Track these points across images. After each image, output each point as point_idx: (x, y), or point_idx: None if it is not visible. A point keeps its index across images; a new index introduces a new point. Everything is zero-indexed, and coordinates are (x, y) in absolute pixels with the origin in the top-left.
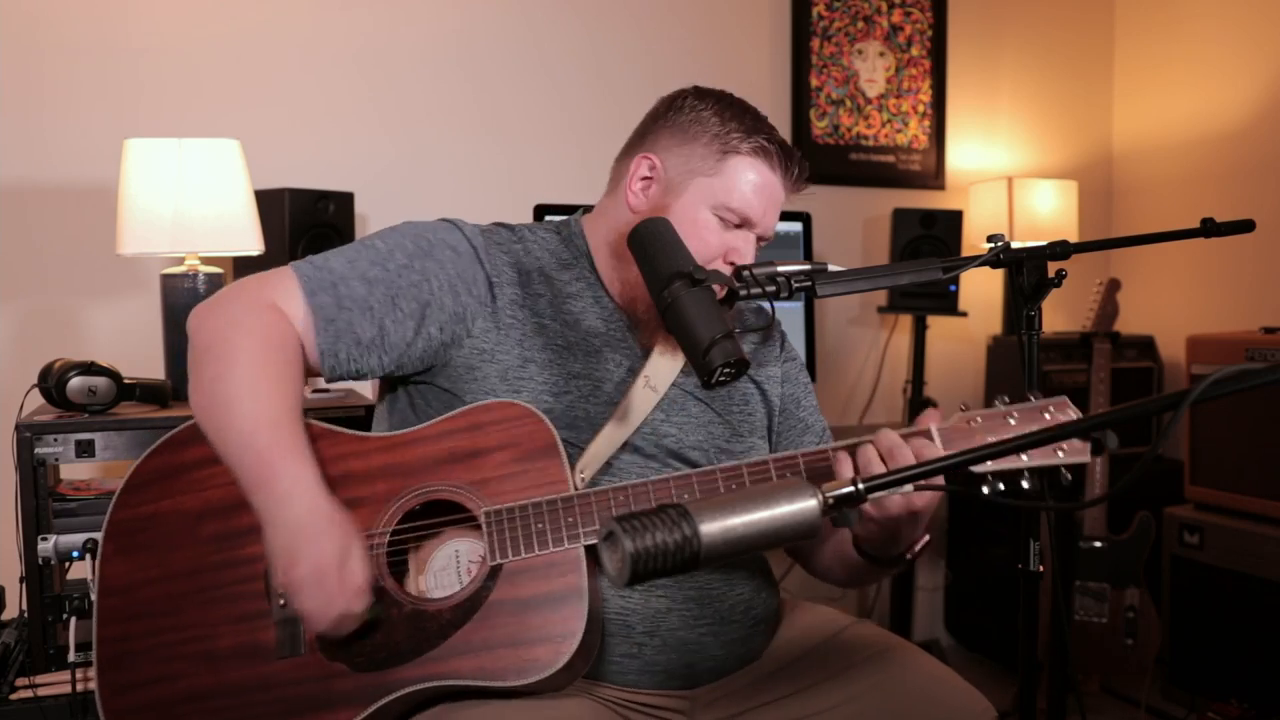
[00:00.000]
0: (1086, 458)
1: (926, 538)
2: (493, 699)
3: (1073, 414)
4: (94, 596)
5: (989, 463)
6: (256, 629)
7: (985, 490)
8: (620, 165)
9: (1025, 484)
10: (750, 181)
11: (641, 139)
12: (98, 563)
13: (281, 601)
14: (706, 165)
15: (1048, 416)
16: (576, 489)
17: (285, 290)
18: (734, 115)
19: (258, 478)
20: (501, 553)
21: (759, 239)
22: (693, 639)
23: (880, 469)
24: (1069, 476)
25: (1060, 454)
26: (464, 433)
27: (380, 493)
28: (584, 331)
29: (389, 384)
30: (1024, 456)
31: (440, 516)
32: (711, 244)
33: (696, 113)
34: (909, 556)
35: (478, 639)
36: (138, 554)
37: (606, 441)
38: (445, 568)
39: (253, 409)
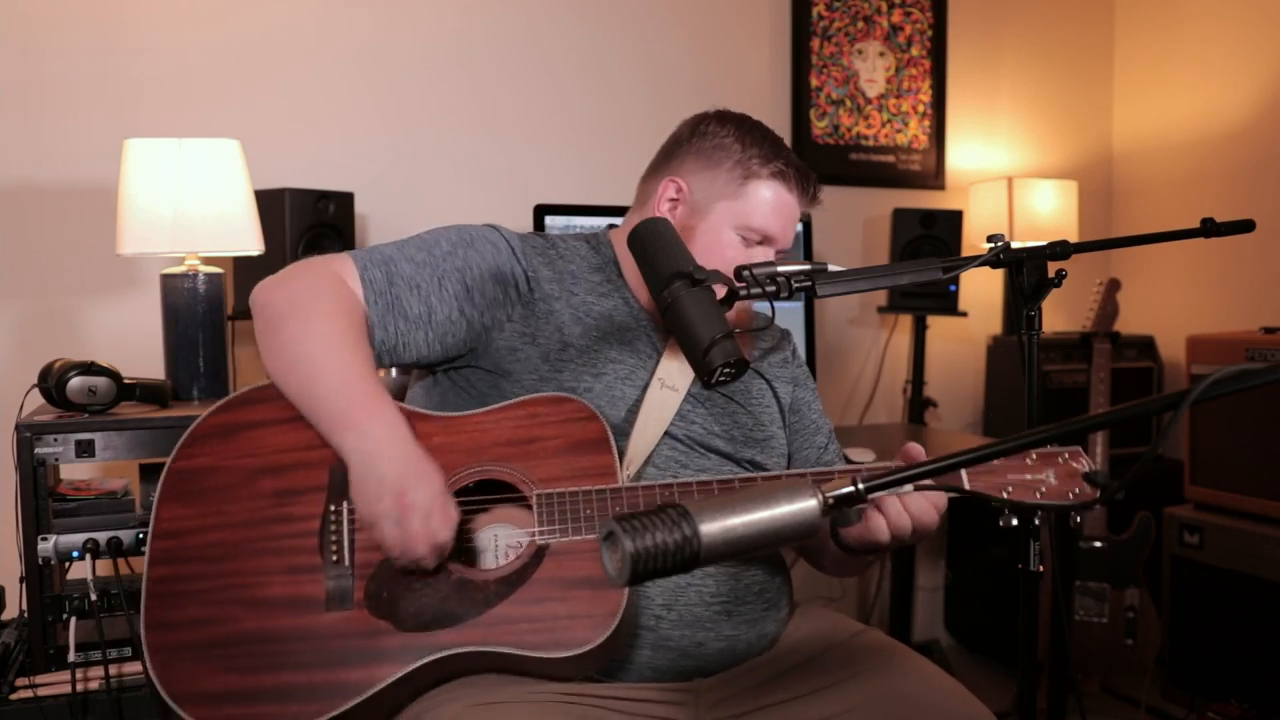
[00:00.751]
0: (1095, 497)
1: None
2: (511, 680)
3: (1085, 462)
4: (148, 537)
5: (1008, 494)
6: (306, 582)
7: (1000, 523)
8: (647, 185)
9: (1036, 520)
10: (770, 202)
11: (667, 161)
12: (154, 506)
13: (335, 558)
14: (730, 189)
15: (1061, 461)
16: (625, 483)
17: (345, 266)
18: (754, 141)
19: (355, 420)
20: (549, 535)
21: (778, 252)
22: (707, 615)
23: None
24: (1078, 519)
25: (1071, 496)
26: (523, 420)
27: (438, 467)
28: (617, 325)
29: (428, 369)
30: (1039, 494)
31: (493, 493)
32: (734, 261)
33: (719, 139)
34: (882, 548)
35: (519, 611)
36: (194, 501)
37: (641, 440)
38: (485, 549)
39: (341, 363)
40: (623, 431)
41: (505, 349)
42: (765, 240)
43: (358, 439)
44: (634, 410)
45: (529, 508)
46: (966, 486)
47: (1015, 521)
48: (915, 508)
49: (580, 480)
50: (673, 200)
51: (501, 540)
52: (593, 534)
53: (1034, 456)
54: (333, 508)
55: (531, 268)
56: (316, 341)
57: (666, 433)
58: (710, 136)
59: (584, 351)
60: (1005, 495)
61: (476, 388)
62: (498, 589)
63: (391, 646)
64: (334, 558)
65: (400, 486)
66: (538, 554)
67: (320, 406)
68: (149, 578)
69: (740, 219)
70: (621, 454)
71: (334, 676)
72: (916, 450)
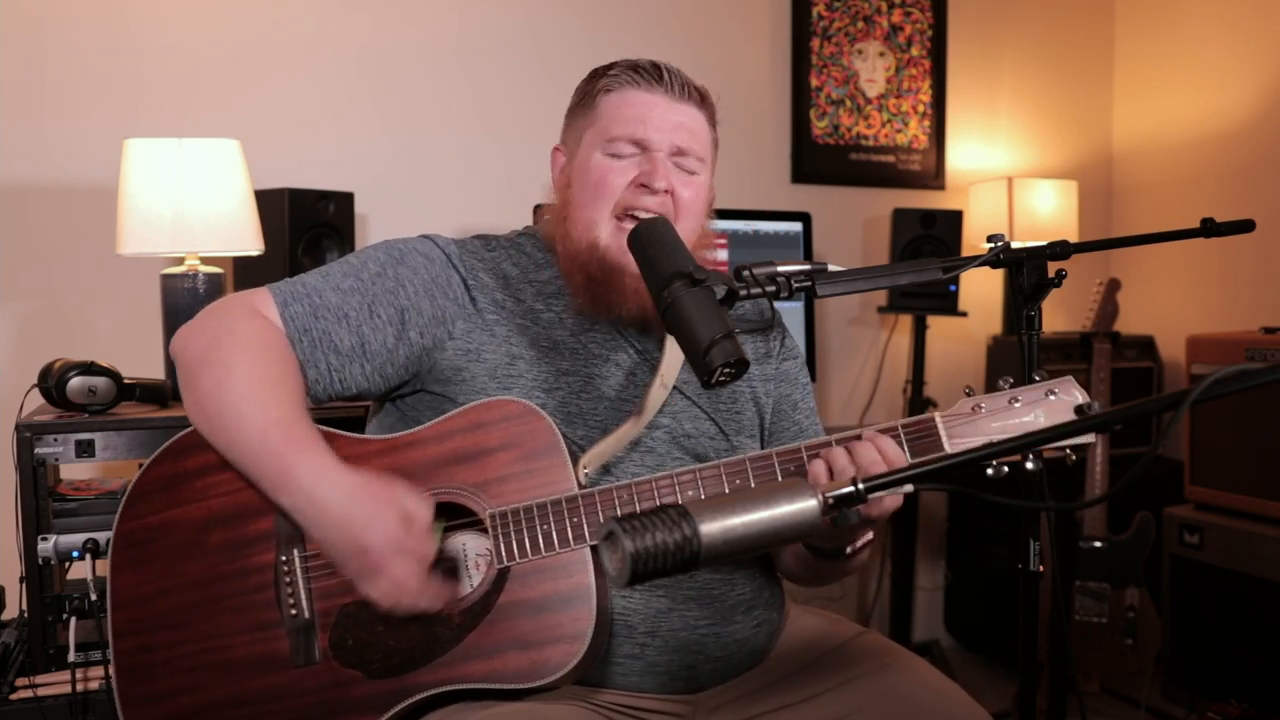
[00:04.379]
0: (1091, 438)
1: (870, 535)
2: (498, 699)
3: (1078, 394)
4: (106, 607)
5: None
6: (271, 638)
7: (990, 472)
8: None
9: (1030, 465)
10: (622, 105)
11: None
12: (108, 575)
13: (293, 611)
14: (585, 119)
15: (1052, 398)
16: (580, 487)
17: (263, 301)
18: (601, 69)
19: (279, 479)
20: (509, 555)
21: (677, 157)
22: (694, 639)
23: (881, 466)
24: (1073, 457)
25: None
26: (466, 433)
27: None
28: (569, 328)
29: (378, 400)
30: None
31: (445, 518)
32: (616, 183)
33: (577, 90)
34: (849, 552)
35: (488, 642)
36: (148, 565)
37: (617, 440)
38: (455, 561)
39: (259, 412)
40: (580, 438)
41: (450, 369)
42: (639, 148)
43: (291, 498)
44: (590, 421)
45: (485, 530)
46: (948, 450)
47: (1006, 470)
48: (866, 459)
49: (534, 491)
50: (562, 169)
51: (470, 550)
52: (553, 550)
53: (1020, 399)
54: (283, 557)
55: (471, 274)
56: (233, 390)
57: (633, 441)
58: (573, 95)
59: (534, 364)
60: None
61: (425, 415)
62: (463, 621)
63: (363, 695)
64: (292, 611)
65: (357, 551)
66: (500, 576)
67: (245, 463)
68: (117, 650)
69: (600, 136)
70: (577, 458)
71: None
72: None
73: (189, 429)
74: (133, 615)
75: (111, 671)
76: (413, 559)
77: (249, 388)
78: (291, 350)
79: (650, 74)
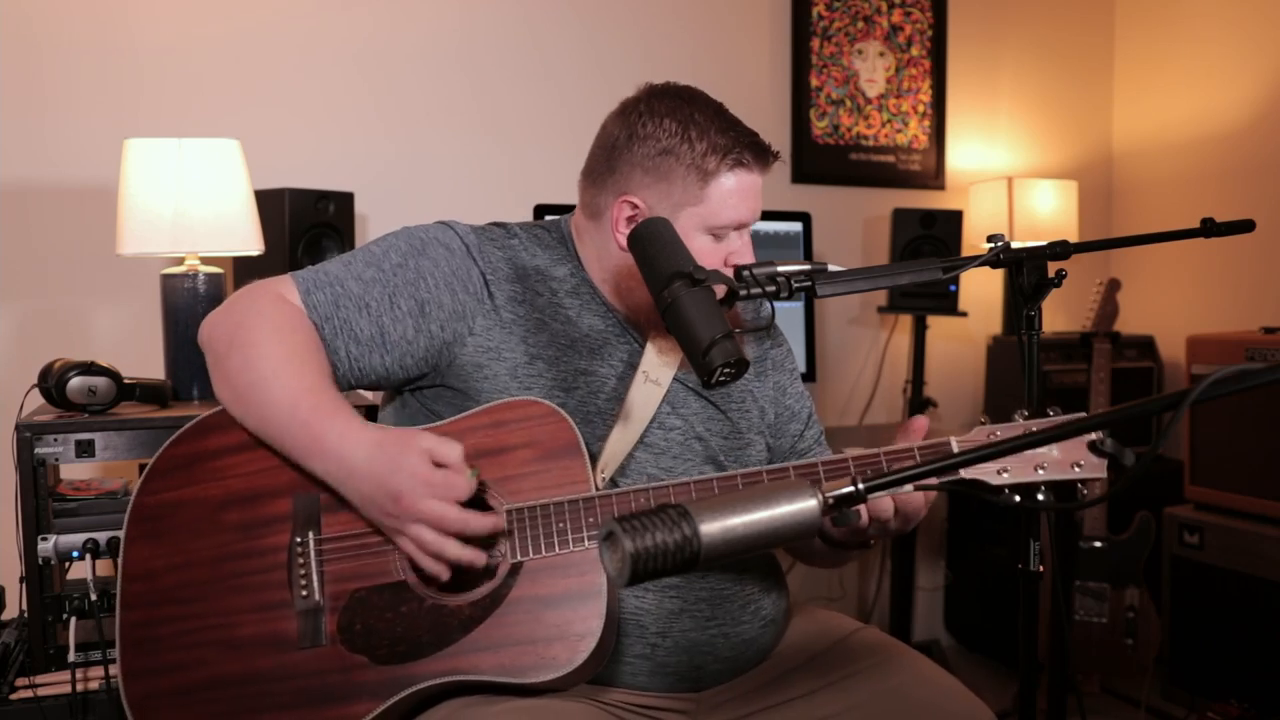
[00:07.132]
0: (1103, 474)
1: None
2: (504, 696)
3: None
4: (117, 580)
5: (1006, 475)
6: (278, 619)
7: (1001, 501)
8: (596, 194)
9: (1041, 496)
10: (735, 193)
11: (612, 172)
12: (120, 547)
13: (304, 592)
14: (690, 195)
15: None
16: (598, 489)
17: (287, 289)
18: (700, 133)
19: (310, 444)
20: (523, 550)
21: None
22: (704, 640)
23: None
24: (1085, 491)
25: (1076, 469)
26: (487, 429)
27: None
28: (584, 329)
29: (395, 390)
30: (1040, 470)
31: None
32: (714, 261)
33: (663, 142)
34: (871, 543)
35: (497, 635)
36: (161, 540)
37: (619, 440)
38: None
39: (287, 384)
40: (598, 438)
41: (471, 366)
42: (738, 227)
43: (322, 462)
44: (608, 421)
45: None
46: (963, 475)
47: (1018, 499)
48: (900, 494)
49: (551, 490)
50: (630, 219)
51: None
52: (566, 548)
53: (1034, 429)
54: (298, 539)
55: (491, 267)
56: (261, 367)
57: (642, 439)
58: (651, 140)
59: (553, 364)
60: (1001, 475)
61: (443, 415)
62: (473, 613)
63: (368, 681)
64: (303, 592)
65: (390, 498)
66: (512, 571)
67: (276, 436)
68: (123, 622)
69: (709, 220)
70: (595, 458)
71: (314, 715)
72: (921, 424)
73: (215, 409)
74: (142, 589)
75: (116, 640)
76: (445, 496)
77: (277, 363)
78: (315, 329)
79: (756, 156)
